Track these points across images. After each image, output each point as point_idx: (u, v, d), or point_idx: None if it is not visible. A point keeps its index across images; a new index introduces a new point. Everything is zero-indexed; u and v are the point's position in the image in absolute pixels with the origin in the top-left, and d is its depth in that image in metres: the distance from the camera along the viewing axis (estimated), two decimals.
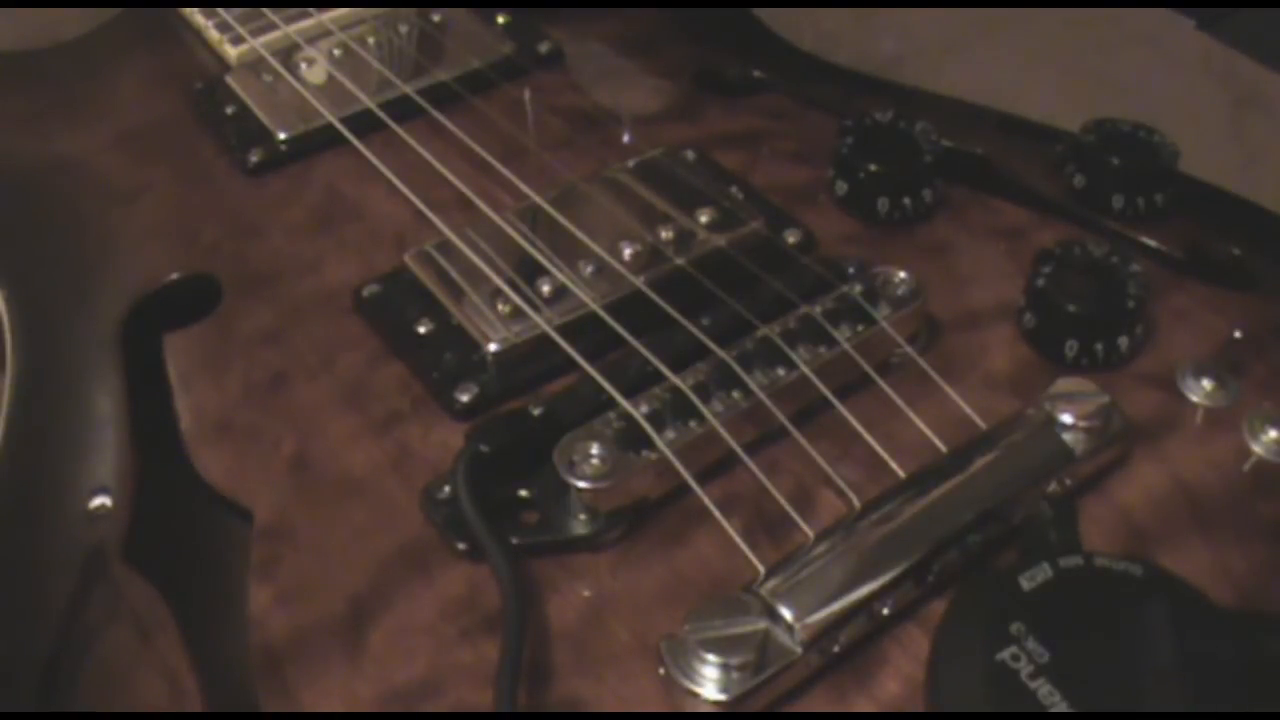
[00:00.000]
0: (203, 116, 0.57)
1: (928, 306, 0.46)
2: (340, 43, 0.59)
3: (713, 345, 0.43)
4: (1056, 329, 0.45)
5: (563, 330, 0.45)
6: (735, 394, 0.42)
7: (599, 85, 0.59)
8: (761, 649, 0.35)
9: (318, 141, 0.55)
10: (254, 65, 0.59)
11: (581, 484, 0.39)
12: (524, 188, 0.50)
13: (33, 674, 0.38)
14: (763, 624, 0.36)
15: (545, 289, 0.46)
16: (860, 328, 0.44)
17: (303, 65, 0.58)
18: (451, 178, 0.51)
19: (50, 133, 0.57)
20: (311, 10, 0.61)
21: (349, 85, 0.56)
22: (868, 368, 0.44)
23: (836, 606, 0.36)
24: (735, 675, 0.35)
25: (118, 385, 0.46)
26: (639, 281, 0.46)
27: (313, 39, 0.60)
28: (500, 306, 0.46)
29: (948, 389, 0.43)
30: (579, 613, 0.39)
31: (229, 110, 0.57)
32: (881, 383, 0.43)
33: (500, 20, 0.62)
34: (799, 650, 0.36)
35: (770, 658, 0.36)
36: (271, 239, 0.51)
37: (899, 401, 0.42)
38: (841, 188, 0.51)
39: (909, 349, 0.44)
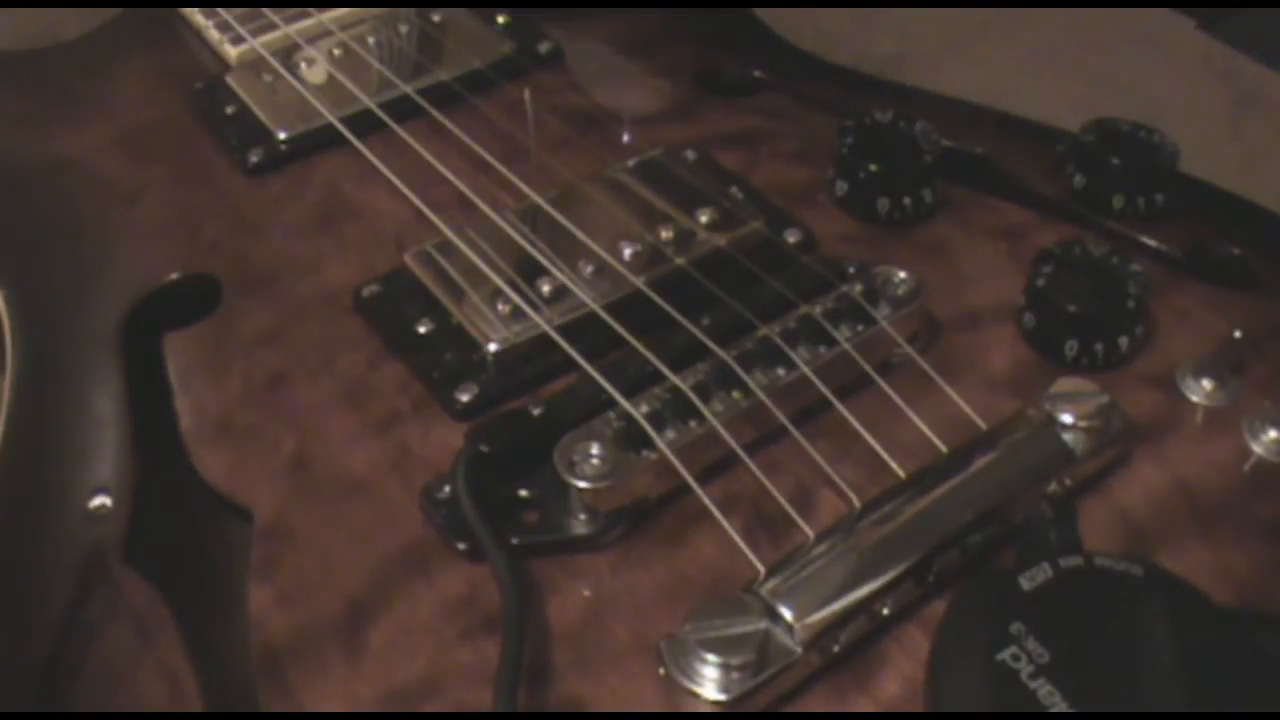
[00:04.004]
0: (203, 116, 0.57)
1: (928, 306, 0.46)
2: (340, 42, 0.59)
3: (713, 345, 0.43)
4: (1056, 329, 0.45)
5: (563, 330, 0.45)
6: (735, 394, 0.42)
7: (599, 85, 0.59)
8: (761, 649, 0.35)
9: (318, 141, 0.55)
10: (254, 65, 0.59)
11: (581, 484, 0.39)
12: (524, 187, 0.50)
13: (33, 674, 0.38)
14: (763, 624, 0.36)
15: (545, 289, 0.46)
16: (860, 328, 0.44)
17: (303, 65, 0.58)
18: (451, 177, 0.51)
19: (50, 133, 0.57)
20: (311, 10, 0.60)
21: (349, 85, 0.56)
22: (868, 368, 0.44)
23: (837, 606, 0.36)
24: (735, 675, 0.35)
25: (118, 385, 0.46)
26: (639, 281, 0.46)
27: (313, 39, 0.59)
28: (500, 306, 0.46)
29: (948, 389, 0.43)
30: (579, 613, 0.39)
31: (229, 110, 0.57)
32: (881, 383, 0.43)
33: (500, 20, 0.62)
34: (799, 650, 0.36)
35: (770, 658, 0.36)
36: (271, 239, 0.51)
37: (899, 401, 0.42)
38: (841, 188, 0.51)
39: (909, 349, 0.44)
